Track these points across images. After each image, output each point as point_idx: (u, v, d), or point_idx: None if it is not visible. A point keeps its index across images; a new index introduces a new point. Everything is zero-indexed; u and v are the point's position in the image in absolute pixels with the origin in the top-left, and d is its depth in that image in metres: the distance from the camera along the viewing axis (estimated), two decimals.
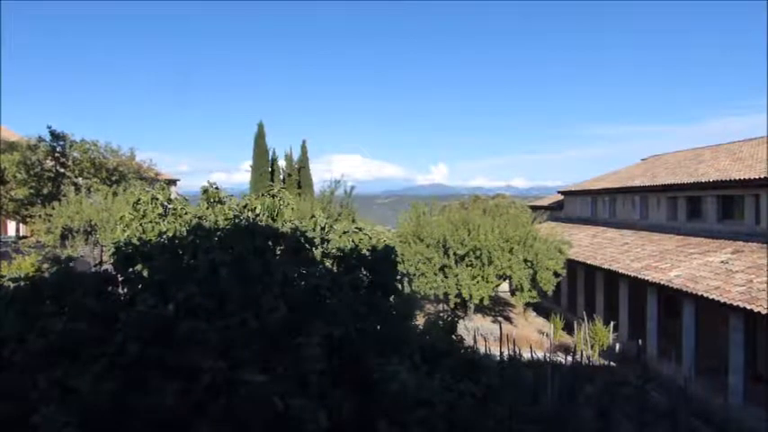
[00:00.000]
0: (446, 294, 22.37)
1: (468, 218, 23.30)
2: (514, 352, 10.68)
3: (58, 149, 25.73)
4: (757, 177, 17.33)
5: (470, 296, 21.96)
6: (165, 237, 5.38)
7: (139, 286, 4.40)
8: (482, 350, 10.46)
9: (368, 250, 5.33)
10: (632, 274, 18.57)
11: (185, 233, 5.34)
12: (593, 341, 18.92)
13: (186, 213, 7.06)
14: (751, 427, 12.98)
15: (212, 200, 7.18)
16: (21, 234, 28.12)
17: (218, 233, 5.04)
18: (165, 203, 7.39)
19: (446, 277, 22.36)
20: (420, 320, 5.41)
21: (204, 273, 4.27)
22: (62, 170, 25.67)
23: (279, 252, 5.05)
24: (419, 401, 3.67)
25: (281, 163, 37.04)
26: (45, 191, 24.79)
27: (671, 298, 17.52)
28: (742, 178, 18.07)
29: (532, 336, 22.07)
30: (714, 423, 12.97)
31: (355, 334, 4.09)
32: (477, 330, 18.32)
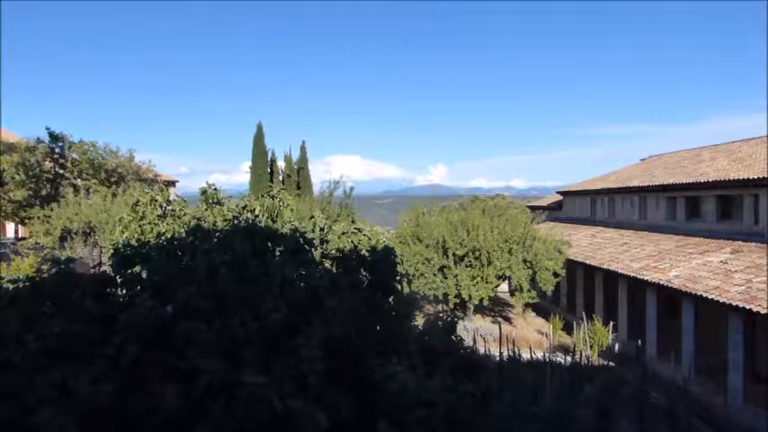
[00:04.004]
0: (445, 295, 22.37)
1: (468, 218, 23.30)
2: (514, 352, 10.67)
3: (56, 151, 25.74)
4: (756, 177, 17.36)
5: (470, 297, 21.97)
6: (163, 238, 5.39)
7: (138, 287, 4.40)
8: (481, 350, 10.45)
9: (367, 251, 5.33)
10: (631, 275, 18.59)
11: (184, 234, 5.34)
12: (592, 341, 18.92)
13: (185, 215, 7.07)
14: (750, 427, 12.99)
15: (211, 201, 7.18)
16: (19, 235, 28.11)
17: (217, 234, 5.04)
18: (164, 205, 7.40)
19: (445, 278, 22.37)
20: (419, 321, 5.40)
21: (203, 274, 4.27)
22: (61, 171, 25.67)
23: (278, 253, 5.05)
24: (419, 402, 3.67)
25: (281, 164, 37.12)
26: (44, 192, 24.79)
27: (670, 298, 17.53)
28: (741, 178, 18.10)
29: (532, 336, 22.08)
30: (713, 423, 12.98)
31: (355, 334, 4.08)
32: (476, 331, 18.29)
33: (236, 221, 5.78)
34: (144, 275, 4.52)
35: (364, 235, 5.99)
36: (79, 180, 25.54)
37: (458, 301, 22.47)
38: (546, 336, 21.80)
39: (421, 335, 4.94)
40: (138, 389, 3.47)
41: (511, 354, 10.65)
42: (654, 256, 19.56)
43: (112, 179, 26.67)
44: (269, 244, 4.99)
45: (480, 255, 22.05)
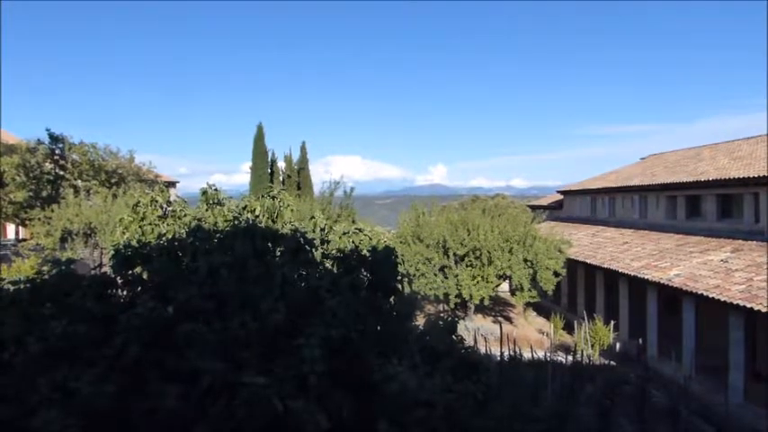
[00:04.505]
0: (446, 295, 22.37)
1: (468, 218, 23.31)
2: (515, 352, 10.67)
3: (57, 152, 25.74)
4: (756, 176, 17.35)
5: (470, 296, 21.97)
6: (164, 239, 5.39)
7: (139, 288, 4.41)
8: (482, 350, 10.46)
9: (368, 251, 5.33)
10: (632, 274, 18.59)
11: (185, 235, 5.34)
12: (593, 340, 18.93)
13: (185, 215, 7.07)
14: (751, 426, 12.98)
15: (212, 201, 7.18)
16: (20, 237, 28.11)
17: (218, 235, 5.04)
18: (165, 205, 7.40)
19: (446, 277, 22.37)
20: (420, 321, 5.40)
21: (204, 275, 4.27)
22: (61, 173, 25.67)
23: (279, 253, 5.05)
24: (419, 402, 3.67)
25: (281, 164, 37.12)
26: (44, 193, 24.79)
27: (671, 297, 17.53)
28: (741, 177, 18.09)
29: (533, 335, 22.10)
30: (714, 422, 12.97)
31: (355, 335, 4.08)
32: (477, 330, 18.32)
33: (236, 222, 5.79)
34: (145, 276, 4.52)
35: (365, 235, 5.99)
36: (80, 181, 25.55)
37: (458, 300, 22.48)
38: (547, 335, 21.81)
39: (422, 335, 4.94)
40: (140, 390, 3.48)
41: (512, 353, 10.66)
42: (654, 254, 19.56)
43: (113, 180, 26.68)
44: (269, 244, 4.99)
45: (481, 254, 22.05)
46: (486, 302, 22.79)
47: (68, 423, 3.06)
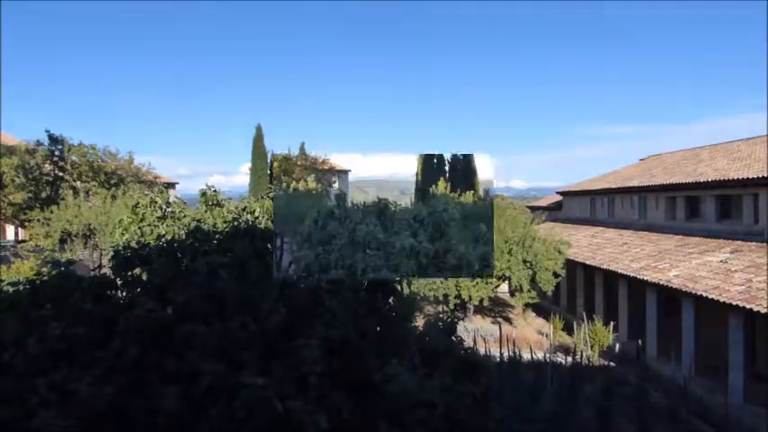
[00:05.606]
0: (445, 296, 22.37)
1: None
2: (514, 353, 10.67)
3: (56, 153, 25.78)
4: (755, 177, 17.37)
5: (470, 297, 21.96)
6: (163, 240, 5.39)
7: (138, 290, 4.40)
8: (482, 351, 10.46)
9: None
10: (631, 275, 18.59)
11: (184, 236, 5.34)
12: (592, 341, 18.93)
13: (185, 216, 7.08)
14: (750, 427, 12.98)
15: (211, 203, 7.19)
16: (19, 238, 28.09)
17: (217, 236, 5.05)
18: (164, 207, 7.42)
19: (445, 278, 22.35)
20: (420, 322, 5.41)
21: (203, 276, 4.27)
22: (60, 174, 25.70)
23: None
24: (419, 402, 3.67)
25: None
26: (43, 195, 24.82)
27: (670, 298, 17.53)
28: (740, 178, 18.11)
29: (532, 336, 22.07)
30: (714, 422, 12.97)
31: (355, 335, 4.08)
32: (476, 331, 18.31)
33: (235, 223, 5.79)
34: (144, 277, 4.52)
35: None
36: (79, 182, 25.57)
37: (458, 301, 22.46)
38: (546, 336, 21.79)
39: (421, 336, 4.94)
40: (139, 391, 3.47)
41: (511, 354, 10.65)
42: (654, 255, 19.57)
43: (112, 181, 26.69)
44: (269, 245, 4.99)
45: None
46: (486, 303, 22.78)
47: (68, 424, 3.05)
